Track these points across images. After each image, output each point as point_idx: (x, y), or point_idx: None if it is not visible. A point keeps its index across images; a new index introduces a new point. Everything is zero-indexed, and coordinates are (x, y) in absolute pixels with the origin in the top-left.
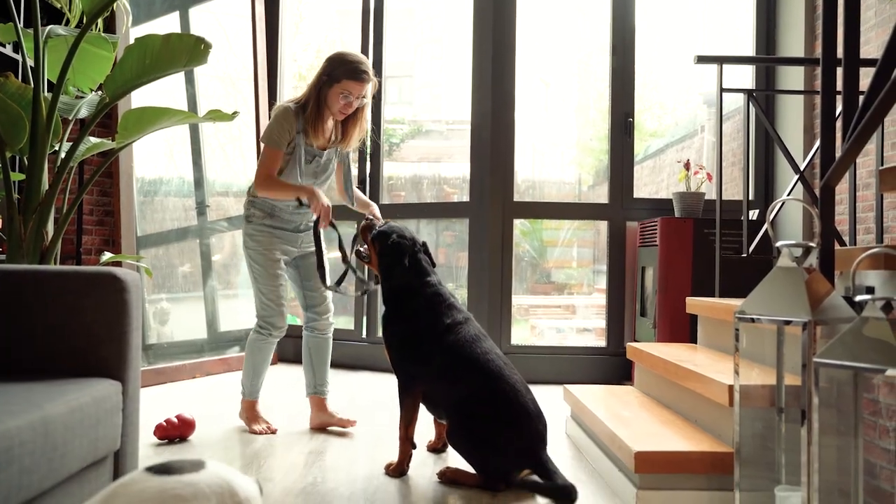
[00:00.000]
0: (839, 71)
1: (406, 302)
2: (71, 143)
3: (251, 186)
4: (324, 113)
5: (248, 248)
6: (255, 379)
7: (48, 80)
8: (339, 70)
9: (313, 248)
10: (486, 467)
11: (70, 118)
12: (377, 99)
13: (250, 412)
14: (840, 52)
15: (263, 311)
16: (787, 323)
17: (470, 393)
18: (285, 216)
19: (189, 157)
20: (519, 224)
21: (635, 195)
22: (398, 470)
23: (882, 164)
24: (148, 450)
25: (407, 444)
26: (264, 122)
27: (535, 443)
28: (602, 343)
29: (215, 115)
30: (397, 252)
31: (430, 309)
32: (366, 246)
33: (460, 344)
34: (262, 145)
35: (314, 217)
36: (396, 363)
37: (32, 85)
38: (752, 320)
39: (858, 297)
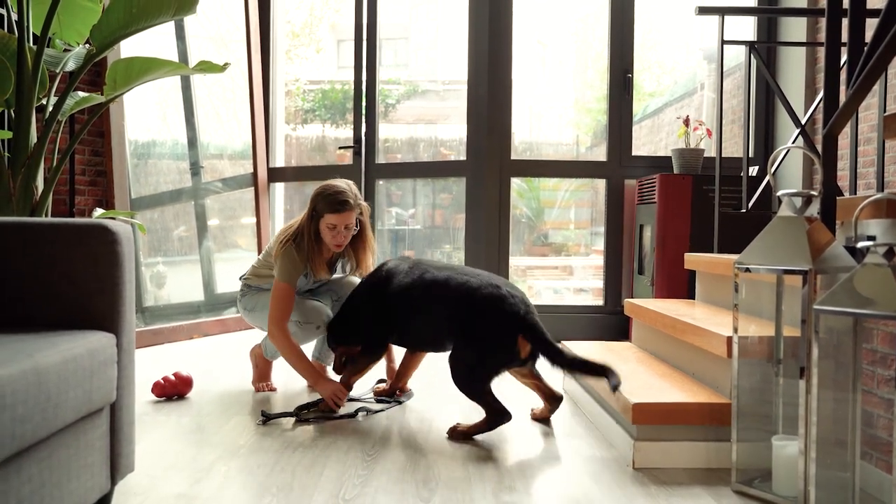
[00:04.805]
0: (844, 22)
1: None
2: (58, 97)
3: (245, 275)
4: (322, 247)
5: (255, 307)
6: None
7: (33, 34)
8: (320, 205)
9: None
10: (474, 389)
11: (57, 71)
12: (371, 62)
13: (264, 369)
14: (846, 3)
15: (304, 318)
16: (788, 272)
17: (432, 320)
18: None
19: (182, 119)
20: (516, 186)
21: (633, 154)
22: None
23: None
24: (147, 407)
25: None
26: (258, 84)
27: (511, 329)
28: (599, 302)
29: (206, 67)
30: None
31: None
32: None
33: (401, 279)
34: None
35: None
36: (364, 332)
37: (17, 35)
38: (749, 270)
39: (860, 244)
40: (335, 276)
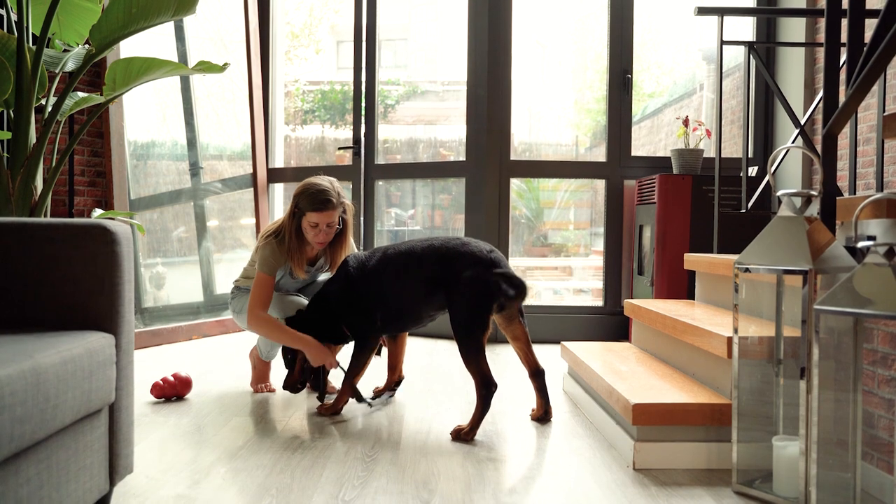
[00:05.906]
0: (843, 22)
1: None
2: (57, 97)
3: (236, 279)
4: (303, 245)
5: (243, 310)
6: (273, 346)
7: (32, 34)
8: (303, 202)
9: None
10: (475, 338)
11: (56, 71)
12: (371, 63)
13: (262, 370)
14: (845, 3)
15: (284, 313)
16: (788, 272)
17: (411, 289)
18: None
19: (181, 120)
20: (515, 186)
21: (633, 154)
22: (332, 410)
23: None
24: (146, 408)
25: (348, 392)
26: (257, 85)
27: (485, 265)
28: (599, 303)
29: (205, 67)
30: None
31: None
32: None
33: (367, 265)
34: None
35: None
36: (354, 321)
37: (17, 35)
38: (748, 270)
39: (861, 243)
40: (322, 276)
